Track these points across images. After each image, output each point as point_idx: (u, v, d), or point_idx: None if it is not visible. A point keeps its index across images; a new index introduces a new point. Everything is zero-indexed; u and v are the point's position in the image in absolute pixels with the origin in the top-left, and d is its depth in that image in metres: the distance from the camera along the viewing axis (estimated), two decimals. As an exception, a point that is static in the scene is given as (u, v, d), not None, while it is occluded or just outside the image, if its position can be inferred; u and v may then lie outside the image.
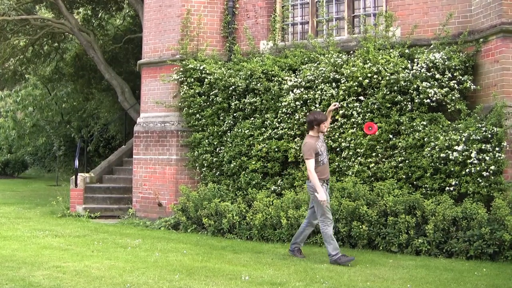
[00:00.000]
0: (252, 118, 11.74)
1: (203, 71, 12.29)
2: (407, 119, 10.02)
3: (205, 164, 12.18)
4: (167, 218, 12.09)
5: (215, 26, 13.04)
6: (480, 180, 9.13)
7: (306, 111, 10.94)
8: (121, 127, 22.98)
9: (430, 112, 10.06)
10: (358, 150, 10.29)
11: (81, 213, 13.85)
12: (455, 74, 10.04)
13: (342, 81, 10.62)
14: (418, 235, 9.06)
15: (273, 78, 11.50)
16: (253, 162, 11.37)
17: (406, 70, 10.15)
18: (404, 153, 9.97)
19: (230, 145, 11.81)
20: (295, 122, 11.04)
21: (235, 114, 11.98)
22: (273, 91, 11.37)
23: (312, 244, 9.62)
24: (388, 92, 10.17)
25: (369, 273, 7.60)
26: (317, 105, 10.85)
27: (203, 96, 12.31)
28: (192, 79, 12.42)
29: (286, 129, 11.15)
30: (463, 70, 10.21)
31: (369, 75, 10.31)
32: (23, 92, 26.56)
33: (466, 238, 8.69)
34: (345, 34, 11.93)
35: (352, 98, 10.51)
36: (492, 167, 9.02)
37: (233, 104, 11.94)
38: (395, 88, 10.11)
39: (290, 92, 11.13)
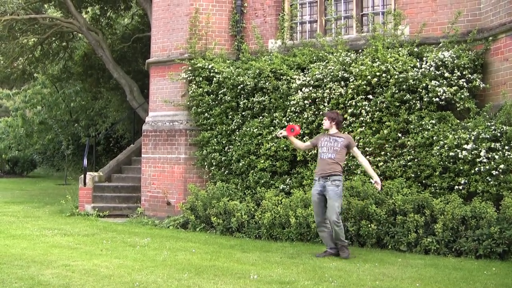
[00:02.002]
0: (261, 117, 11.73)
1: (212, 70, 12.30)
2: (416, 117, 9.99)
3: (214, 163, 12.19)
4: (175, 217, 12.10)
5: (224, 25, 13.05)
6: (490, 179, 9.09)
7: (314, 110, 10.95)
8: (130, 126, 23.02)
9: (439, 110, 10.03)
10: (367, 148, 10.28)
11: (89, 212, 13.89)
12: (464, 73, 10.01)
13: (351, 80, 10.60)
14: (427, 234, 9.03)
15: (281, 77, 11.49)
16: (262, 161, 11.36)
17: (415, 69, 10.12)
18: (413, 151, 9.94)
19: (239, 144, 11.81)
20: (304, 121, 11.03)
21: (243, 113, 11.98)
22: (281, 90, 11.36)
23: (321, 243, 9.58)
24: (397, 91, 10.14)
25: (378, 272, 7.58)
26: (325, 104, 10.84)
27: (211, 95, 12.31)
28: (201, 78, 12.42)
29: (294, 128, 11.13)
30: (472, 68, 10.17)
31: (377, 73, 10.29)
32: (30, 91, 26.65)
33: (475, 237, 8.65)
34: (353, 32, 11.91)
35: (361, 96, 10.49)
36: (502, 166, 8.98)
37: (241, 103, 11.93)
38: (404, 86, 10.08)
39: (299, 91, 11.13)
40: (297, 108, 11.13)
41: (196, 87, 12.48)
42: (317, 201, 8.75)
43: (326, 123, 8.94)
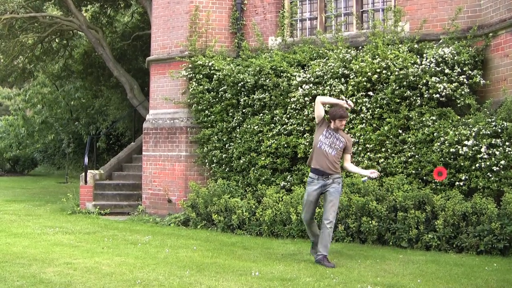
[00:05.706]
0: (261, 114, 11.73)
1: (212, 68, 12.30)
2: (416, 114, 9.99)
3: (215, 160, 12.19)
4: (176, 214, 12.11)
5: (224, 23, 13.04)
6: (490, 175, 9.09)
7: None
8: (130, 124, 23.02)
9: (439, 107, 10.03)
10: (368, 145, 10.29)
11: (91, 210, 13.89)
12: (464, 69, 10.00)
13: (351, 77, 10.61)
14: (428, 230, 9.04)
15: (282, 74, 11.49)
16: (263, 158, 11.37)
17: (415, 65, 10.11)
18: (413, 148, 9.95)
19: (240, 141, 11.81)
20: (304, 118, 11.03)
21: (244, 110, 11.98)
22: (282, 87, 11.36)
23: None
24: (397, 87, 10.14)
25: (379, 268, 7.59)
26: (326, 101, 10.84)
27: (212, 93, 12.31)
28: (201, 76, 12.42)
29: (295, 125, 11.14)
30: (472, 64, 10.17)
31: (378, 70, 10.29)
32: (31, 91, 26.61)
33: (476, 233, 8.66)
34: (353, 29, 11.90)
35: (361, 93, 10.50)
36: (502, 162, 8.98)
37: (242, 100, 11.93)
38: (404, 83, 10.08)
39: (299, 88, 11.12)
40: (298, 105, 11.14)
41: (196, 84, 12.48)
42: (313, 201, 8.06)
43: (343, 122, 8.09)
